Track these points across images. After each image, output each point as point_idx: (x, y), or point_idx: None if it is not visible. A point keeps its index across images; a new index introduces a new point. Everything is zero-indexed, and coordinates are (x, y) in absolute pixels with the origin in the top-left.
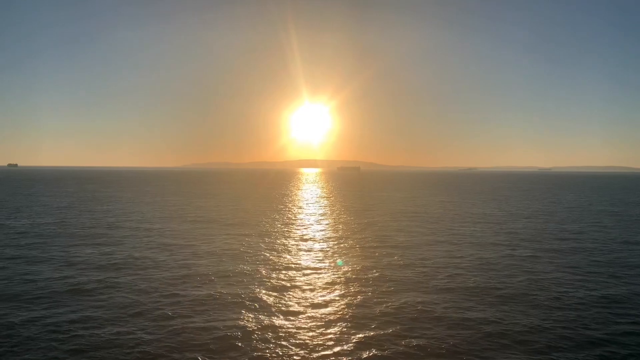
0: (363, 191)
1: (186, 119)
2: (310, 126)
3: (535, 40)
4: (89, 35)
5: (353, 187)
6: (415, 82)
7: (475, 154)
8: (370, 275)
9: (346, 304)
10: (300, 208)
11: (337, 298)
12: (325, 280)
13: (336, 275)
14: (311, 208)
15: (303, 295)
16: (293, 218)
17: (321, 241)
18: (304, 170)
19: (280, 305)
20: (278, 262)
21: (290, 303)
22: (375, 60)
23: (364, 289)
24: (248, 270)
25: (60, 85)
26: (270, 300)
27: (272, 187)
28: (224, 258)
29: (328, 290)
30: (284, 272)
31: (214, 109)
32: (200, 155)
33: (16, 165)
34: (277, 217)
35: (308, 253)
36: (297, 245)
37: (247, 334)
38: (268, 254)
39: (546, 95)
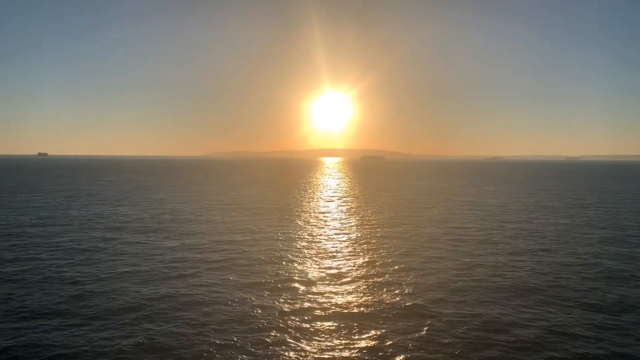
0: (401, 180)
1: (209, 109)
2: (331, 115)
3: (562, 24)
4: (115, 27)
5: (388, 177)
6: (437, 70)
7: (498, 143)
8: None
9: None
10: (353, 200)
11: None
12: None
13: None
14: (366, 200)
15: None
16: (353, 211)
17: (394, 237)
18: (325, 159)
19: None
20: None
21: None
22: (397, 48)
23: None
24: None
25: (85, 76)
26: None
27: (308, 176)
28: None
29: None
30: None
31: (236, 99)
32: (221, 144)
33: (46, 154)
34: (337, 209)
35: (381, 249)
36: (372, 241)
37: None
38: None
39: (572, 82)
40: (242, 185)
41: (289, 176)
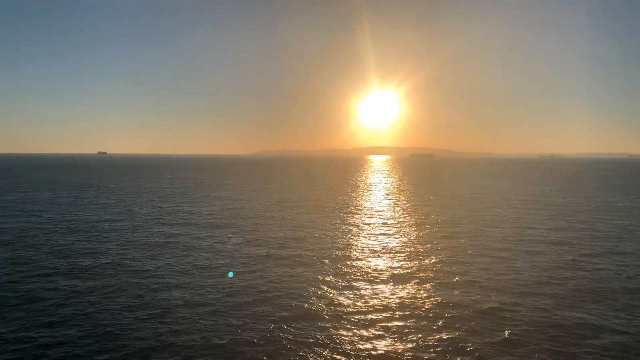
0: (455, 178)
1: (257, 109)
2: (378, 113)
3: (621, 19)
4: (176, 33)
5: (441, 175)
6: (489, 67)
7: (552, 140)
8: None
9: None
10: (409, 198)
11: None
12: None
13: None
14: (423, 198)
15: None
16: (412, 209)
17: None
18: (372, 157)
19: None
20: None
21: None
22: (448, 45)
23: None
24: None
25: (141, 80)
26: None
27: (359, 174)
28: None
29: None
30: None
31: (285, 98)
32: (269, 142)
33: (105, 153)
34: (407, 207)
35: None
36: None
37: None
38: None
39: (633, 77)
40: (296, 183)
41: (341, 174)
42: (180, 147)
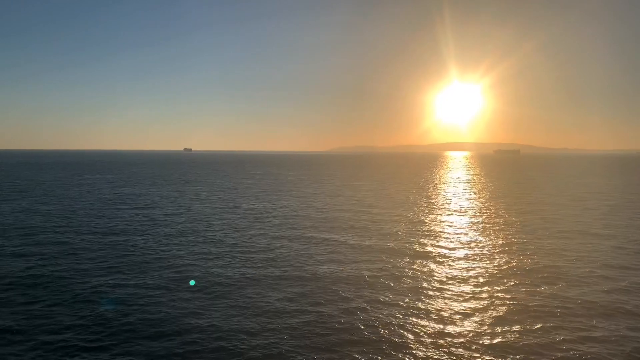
0: (556, 177)
1: (333, 105)
2: (458, 107)
3: None
4: (254, 24)
5: (539, 173)
6: (580, 56)
7: None
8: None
9: None
10: (512, 199)
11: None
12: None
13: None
14: (530, 200)
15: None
16: (527, 213)
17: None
18: (451, 154)
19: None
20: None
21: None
22: (539, 31)
23: None
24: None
25: (225, 79)
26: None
27: (451, 172)
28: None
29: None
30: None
31: (361, 94)
32: (346, 139)
33: (190, 149)
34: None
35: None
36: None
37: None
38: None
39: None
40: (386, 180)
41: (430, 171)
42: (258, 144)
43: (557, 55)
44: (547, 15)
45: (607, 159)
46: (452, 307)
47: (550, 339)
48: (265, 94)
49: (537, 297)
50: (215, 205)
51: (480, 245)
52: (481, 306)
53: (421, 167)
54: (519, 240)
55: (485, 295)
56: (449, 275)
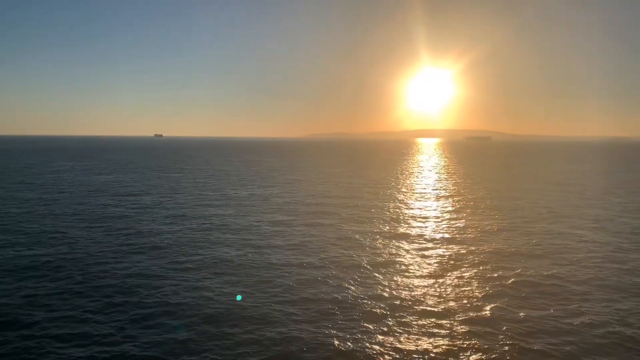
0: (534, 163)
1: (307, 91)
2: (429, 93)
3: None
4: (228, 13)
5: (518, 160)
6: (552, 43)
7: (618, 120)
8: None
9: None
10: (494, 187)
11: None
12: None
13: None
14: (518, 187)
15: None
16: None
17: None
18: (423, 140)
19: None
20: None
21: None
22: (511, 17)
23: None
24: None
25: (196, 65)
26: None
27: (427, 159)
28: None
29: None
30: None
31: (332, 80)
32: (318, 125)
33: (161, 135)
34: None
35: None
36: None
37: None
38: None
39: None
40: (367, 167)
41: (405, 158)
42: (230, 130)
43: (526, 42)
44: (519, 0)
45: (583, 145)
46: (428, 290)
47: (530, 318)
48: (236, 80)
49: (512, 276)
50: (204, 193)
51: (467, 229)
52: (456, 287)
53: (398, 154)
54: (506, 224)
55: (462, 276)
56: (432, 256)
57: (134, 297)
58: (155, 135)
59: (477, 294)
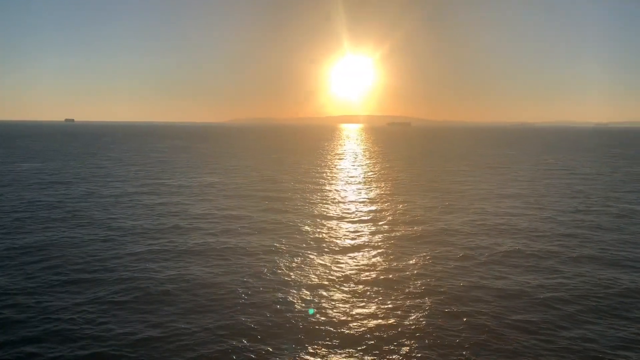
0: (455, 148)
1: (226, 75)
2: (351, 80)
3: None
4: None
5: (437, 145)
6: (470, 29)
7: (522, 108)
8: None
9: None
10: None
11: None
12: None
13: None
14: (446, 169)
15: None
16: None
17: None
18: (346, 126)
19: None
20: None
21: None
22: (423, 3)
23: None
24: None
25: (110, 45)
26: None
27: (356, 144)
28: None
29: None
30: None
31: (255, 65)
32: (242, 110)
33: (73, 120)
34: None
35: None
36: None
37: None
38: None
39: (595, 45)
40: (301, 152)
41: (332, 143)
42: (147, 114)
43: (436, 31)
44: None
45: (493, 131)
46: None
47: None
48: (152, 61)
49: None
50: (138, 182)
51: (415, 209)
52: (382, 273)
53: (326, 140)
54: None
55: (386, 261)
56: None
57: (93, 287)
58: (67, 120)
59: (414, 271)
